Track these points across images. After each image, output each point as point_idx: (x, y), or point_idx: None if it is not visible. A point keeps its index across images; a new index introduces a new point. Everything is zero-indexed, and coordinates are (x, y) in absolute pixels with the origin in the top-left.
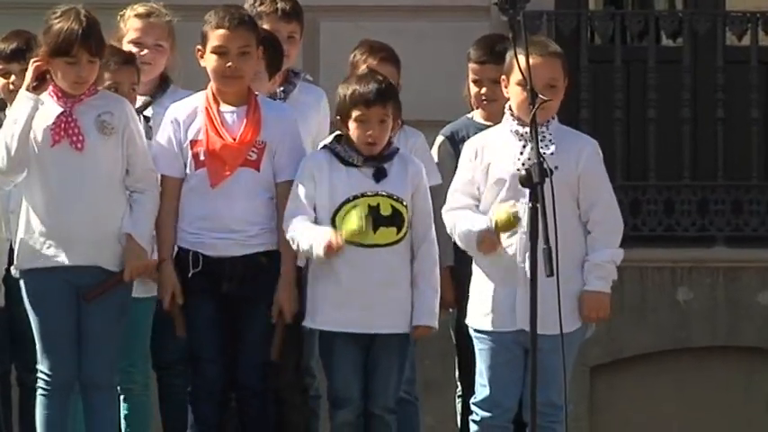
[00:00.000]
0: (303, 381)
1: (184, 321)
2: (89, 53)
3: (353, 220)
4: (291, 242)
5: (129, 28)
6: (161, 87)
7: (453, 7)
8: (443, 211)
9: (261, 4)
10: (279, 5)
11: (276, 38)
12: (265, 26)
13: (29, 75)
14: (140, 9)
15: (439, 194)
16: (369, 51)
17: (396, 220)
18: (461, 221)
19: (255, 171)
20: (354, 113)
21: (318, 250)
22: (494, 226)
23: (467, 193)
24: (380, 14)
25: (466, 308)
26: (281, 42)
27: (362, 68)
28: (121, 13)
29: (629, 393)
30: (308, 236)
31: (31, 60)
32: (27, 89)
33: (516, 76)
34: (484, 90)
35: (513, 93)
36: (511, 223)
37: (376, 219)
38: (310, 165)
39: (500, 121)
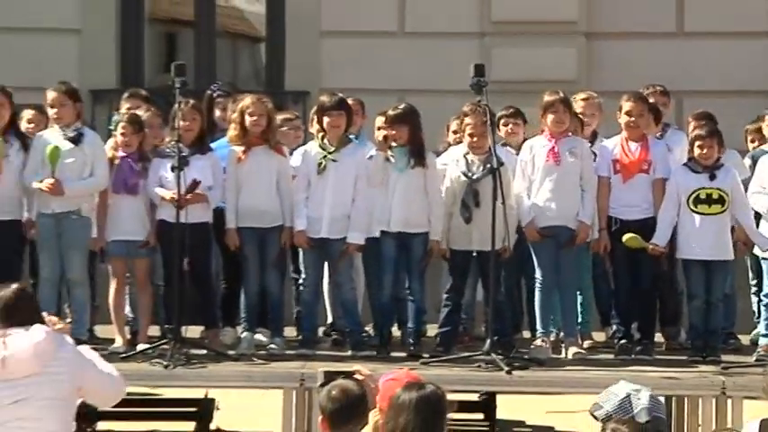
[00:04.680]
0: None
1: None
2: None
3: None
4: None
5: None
6: None
7: None
8: (749, 194)
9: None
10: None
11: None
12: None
13: None
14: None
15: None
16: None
17: (720, 201)
18: (761, 200)
19: (647, 174)
20: (696, 143)
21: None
22: None
23: (760, 184)
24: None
25: None
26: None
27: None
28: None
29: None
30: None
31: None
32: None
33: None
34: None
35: None
36: None
37: (707, 201)
38: (677, 170)
39: None
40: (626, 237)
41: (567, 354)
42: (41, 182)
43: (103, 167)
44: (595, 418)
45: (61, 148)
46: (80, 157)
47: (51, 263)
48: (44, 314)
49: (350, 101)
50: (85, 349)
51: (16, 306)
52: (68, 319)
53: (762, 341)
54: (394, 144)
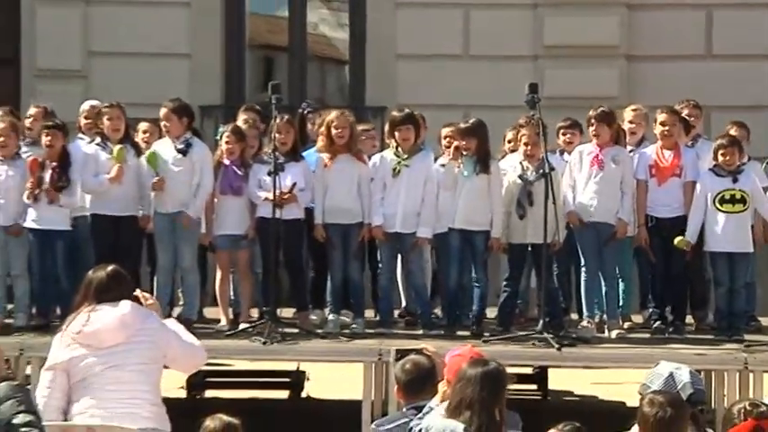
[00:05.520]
0: None
1: None
2: None
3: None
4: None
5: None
6: None
7: None
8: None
9: (681, 103)
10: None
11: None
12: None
13: None
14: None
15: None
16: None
17: (742, 200)
18: None
19: (678, 178)
20: (720, 151)
21: None
22: None
23: None
24: None
25: None
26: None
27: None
28: None
29: None
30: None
31: None
32: None
33: None
34: None
35: None
36: None
37: (731, 201)
38: (705, 174)
39: None
40: (677, 240)
41: (609, 334)
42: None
43: (209, 174)
44: None
45: (159, 153)
46: (188, 165)
47: (166, 254)
48: (137, 291)
49: None
50: (171, 322)
51: (109, 286)
52: (181, 302)
53: None
54: (464, 153)
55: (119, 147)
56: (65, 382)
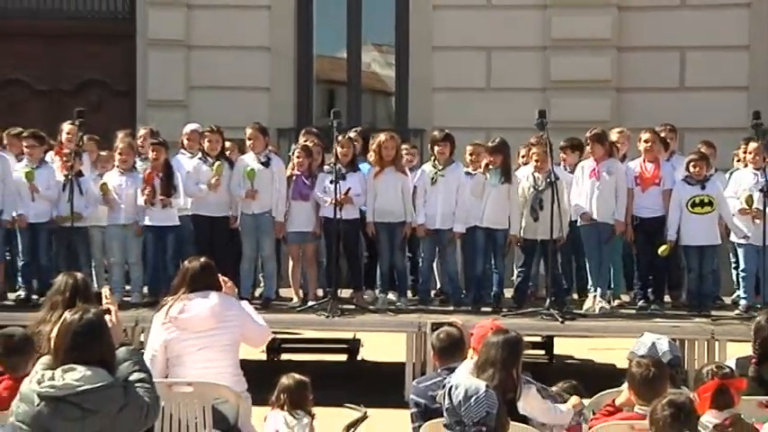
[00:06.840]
0: None
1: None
2: None
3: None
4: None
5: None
6: None
7: None
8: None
9: (660, 126)
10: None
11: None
12: None
13: None
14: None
15: None
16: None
17: (710, 204)
18: (732, 202)
19: (658, 186)
20: (691, 164)
21: None
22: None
23: (735, 191)
24: None
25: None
26: None
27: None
28: None
29: None
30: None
31: None
32: None
33: None
34: None
35: None
36: (749, 203)
37: (700, 204)
38: (679, 183)
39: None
40: (660, 249)
41: (596, 308)
42: (245, 194)
43: (285, 183)
44: None
45: (255, 169)
46: (268, 175)
47: (250, 246)
48: (219, 275)
49: None
50: (245, 304)
51: (200, 275)
52: (262, 284)
53: (741, 302)
54: (491, 167)
55: (218, 163)
56: (164, 359)
